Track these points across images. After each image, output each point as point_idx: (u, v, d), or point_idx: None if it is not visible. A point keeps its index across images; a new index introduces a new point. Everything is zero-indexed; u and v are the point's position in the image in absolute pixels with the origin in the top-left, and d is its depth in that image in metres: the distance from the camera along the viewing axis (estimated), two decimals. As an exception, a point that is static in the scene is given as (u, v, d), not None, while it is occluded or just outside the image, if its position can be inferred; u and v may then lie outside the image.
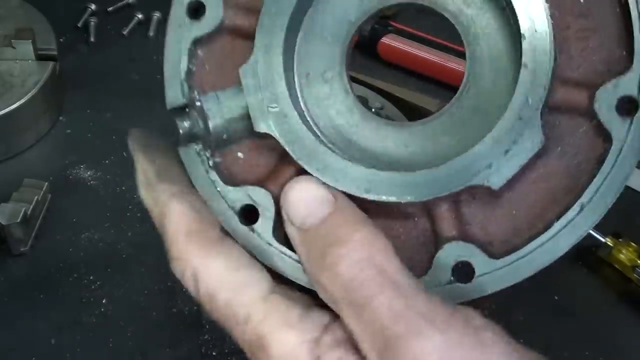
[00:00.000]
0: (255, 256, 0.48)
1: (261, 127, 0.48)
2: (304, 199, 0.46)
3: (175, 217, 0.50)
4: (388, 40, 1.23)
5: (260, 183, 0.49)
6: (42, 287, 1.01)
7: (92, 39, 1.29)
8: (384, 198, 0.46)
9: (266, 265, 0.49)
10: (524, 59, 0.45)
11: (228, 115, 0.49)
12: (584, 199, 0.45)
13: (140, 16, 1.32)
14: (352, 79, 0.53)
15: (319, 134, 0.49)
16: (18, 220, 0.99)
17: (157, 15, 1.32)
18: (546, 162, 0.47)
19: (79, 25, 1.31)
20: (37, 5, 1.22)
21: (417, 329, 0.42)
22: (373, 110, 1.00)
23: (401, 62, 1.24)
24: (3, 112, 1.10)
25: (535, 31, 0.45)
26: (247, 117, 0.49)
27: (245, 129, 0.49)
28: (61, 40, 1.22)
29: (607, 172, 0.45)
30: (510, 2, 0.46)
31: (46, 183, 1.07)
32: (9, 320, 0.98)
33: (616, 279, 1.05)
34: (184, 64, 0.50)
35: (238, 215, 0.49)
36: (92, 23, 1.30)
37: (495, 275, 0.46)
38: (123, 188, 1.10)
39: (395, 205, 0.47)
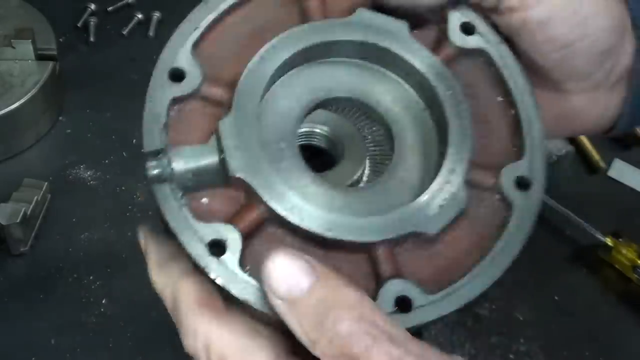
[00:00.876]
0: (227, 288, 0.54)
1: (236, 172, 0.55)
2: (287, 271, 0.50)
3: (188, 290, 0.56)
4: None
5: (227, 221, 0.56)
6: (42, 287, 1.01)
7: (92, 39, 1.30)
8: (343, 237, 0.55)
9: (238, 298, 0.54)
10: (450, 140, 0.59)
11: (192, 167, 0.56)
12: (493, 252, 0.57)
13: (140, 16, 1.32)
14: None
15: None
16: (18, 220, 0.99)
17: (156, 15, 1.32)
18: (465, 224, 0.58)
19: (79, 25, 1.31)
20: (37, 5, 1.22)
21: None
22: None
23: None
24: (3, 112, 1.10)
25: (458, 121, 0.59)
26: (209, 171, 0.56)
27: (208, 180, 0.57)
28: (61, 40, 1.22)
29: (512, 231, 0.58)
30: (440, 104, 0.60)
31: (46, 183, 1.07)
32: (9, 320, 0.98)
33: (616, 279, 1.05)
34: (162, 117, 0.58)
35: (207, 248, 0.55)
36: (92, 23, 1.30)
37: (431, 306, 0.55)
38: (123, 188, 1.11)
39: (347, 245, 0.56)
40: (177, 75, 0.59)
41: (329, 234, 0.55)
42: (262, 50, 0.59)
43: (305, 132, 0.76)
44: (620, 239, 1.05)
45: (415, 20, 0.63)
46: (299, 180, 0.59)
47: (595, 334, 1.01)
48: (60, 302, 1.00)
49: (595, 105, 0.71)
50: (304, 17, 0.62)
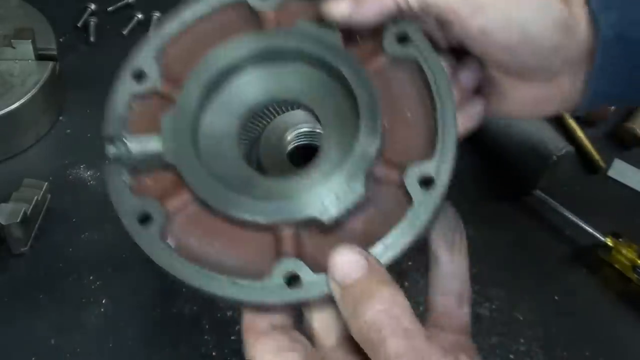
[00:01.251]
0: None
1: (169, 159, 0.66)
2: (344, 263, 0.60)
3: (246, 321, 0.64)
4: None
5: (158, 199, 0.66)
6: (42, 287, 1.01)
7: (92, 39, 1.30)
8: (245, 217, 0.63)
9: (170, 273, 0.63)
10: (360, 139, 0.64)
11: (142, 152, 0.66)
12: (387, 240, 0.62)
13: (140, 16, 1.32)
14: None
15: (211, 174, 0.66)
16: (18, 220, 0.99)
17: (157, 15, 1.32)
18: (367, 215, 0.63)
19: (79, 25, 1.31)
20: (37, 5, 1.22)
21: None
22: None
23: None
24: (3, 112, 1.10)
25: (369, 122, 0.65)
26: (156, 156, 0.66)
27: (155, 164, 0.67)
28: (61, 40, 1.22)
29: (406, 224, 0.62)
30: (357, 106, 0.66)
31: (46, 183, 1.07)
32: (9, 320, 0.98)
33: (616, 279, 1.05)
34: (121, 111, 0.70)
35: (137, 218, 0.65)
36: (92, 23, 1.30)
37: (316, 285, 0.61)
38: (123, 188, 1.11)
39: (254, 225, 0.63)
40: (138, 75, 0.71)
41: (233, 213, 0.63)
42: (207, 55, 0.69)
43: (305, 132, 0.78)
44: (620, 239, 1.05)
45: (357, 33, 0.70)
46: (226, 169, 0.67)
47: (595, 334, 1.01)
48: (60, 302, 1.00)
49: (558, 89, 0.76)
50: (260, 27, 0.71)
